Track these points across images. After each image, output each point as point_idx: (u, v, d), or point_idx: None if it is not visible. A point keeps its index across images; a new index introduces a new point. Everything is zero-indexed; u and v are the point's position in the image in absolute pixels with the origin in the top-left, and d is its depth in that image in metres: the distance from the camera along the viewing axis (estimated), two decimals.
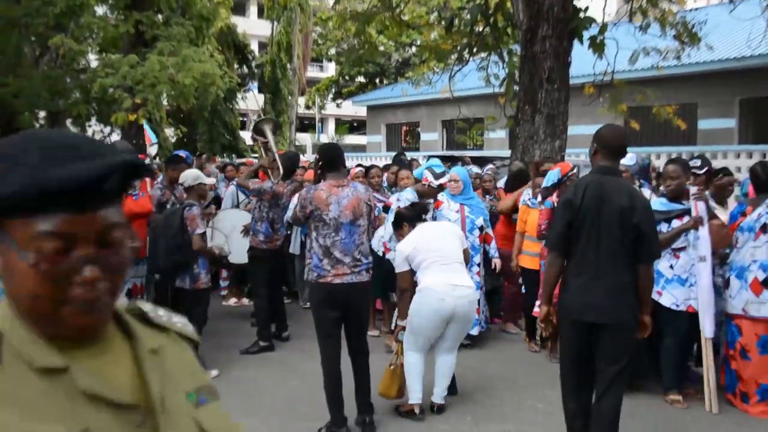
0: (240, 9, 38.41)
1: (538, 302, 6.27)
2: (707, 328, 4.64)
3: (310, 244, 4.25)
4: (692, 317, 4.74)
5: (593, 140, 3.63)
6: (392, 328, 6.01)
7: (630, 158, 5.39)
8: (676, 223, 4.80)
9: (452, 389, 4.85)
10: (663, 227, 4.68)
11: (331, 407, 4.29)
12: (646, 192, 5.23)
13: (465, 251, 4.78)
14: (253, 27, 37.19)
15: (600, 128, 3.71)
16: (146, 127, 7.98)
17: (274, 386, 5.25)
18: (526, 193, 6.35)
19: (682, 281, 4.80)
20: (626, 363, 3.49)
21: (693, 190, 4.81)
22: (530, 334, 6.36)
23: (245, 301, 8.06)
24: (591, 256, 3.43)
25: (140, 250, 5.70)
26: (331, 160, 4.25)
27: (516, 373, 5.58)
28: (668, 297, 4.80)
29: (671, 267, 4.84)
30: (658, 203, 4.84)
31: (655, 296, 4.65)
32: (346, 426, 4.30)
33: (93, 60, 18.72)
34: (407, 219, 4.79)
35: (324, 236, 4.10)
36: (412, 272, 4.56)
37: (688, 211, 4.78)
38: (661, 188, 6.07)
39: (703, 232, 4.64)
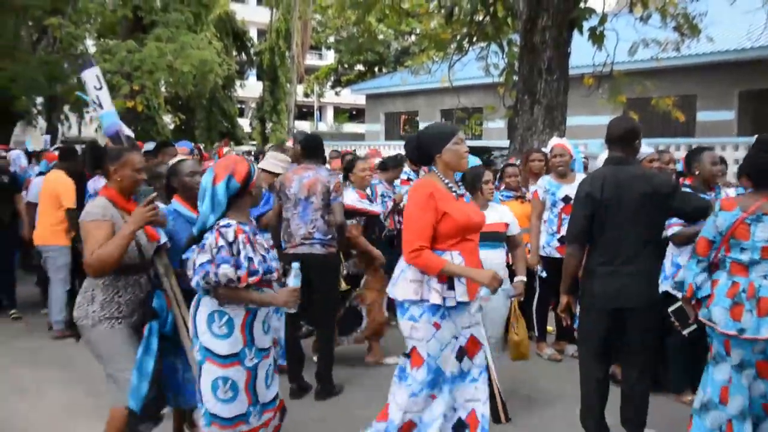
0: None
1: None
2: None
3: None
4: None
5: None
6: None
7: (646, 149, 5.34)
8: None
9: None
10: None
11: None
12: None
13: None
14: (253, 14, 37.02)
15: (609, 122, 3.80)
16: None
17: None
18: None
19: None
20: (654, 347, 3.69)
21: (731, 185, 4.57)
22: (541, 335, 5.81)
23: None
24: (618, 244, 3.51)
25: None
26: (308, 148, 4.81)
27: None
28: None
29: None
30: None
31: (670, 290, 4.52)
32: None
33: (90, 45, 18.65)
34: None
35: (286, 210, 4.64)
36: None
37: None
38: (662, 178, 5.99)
39: None
